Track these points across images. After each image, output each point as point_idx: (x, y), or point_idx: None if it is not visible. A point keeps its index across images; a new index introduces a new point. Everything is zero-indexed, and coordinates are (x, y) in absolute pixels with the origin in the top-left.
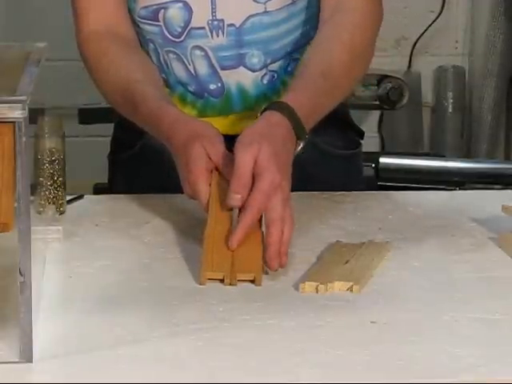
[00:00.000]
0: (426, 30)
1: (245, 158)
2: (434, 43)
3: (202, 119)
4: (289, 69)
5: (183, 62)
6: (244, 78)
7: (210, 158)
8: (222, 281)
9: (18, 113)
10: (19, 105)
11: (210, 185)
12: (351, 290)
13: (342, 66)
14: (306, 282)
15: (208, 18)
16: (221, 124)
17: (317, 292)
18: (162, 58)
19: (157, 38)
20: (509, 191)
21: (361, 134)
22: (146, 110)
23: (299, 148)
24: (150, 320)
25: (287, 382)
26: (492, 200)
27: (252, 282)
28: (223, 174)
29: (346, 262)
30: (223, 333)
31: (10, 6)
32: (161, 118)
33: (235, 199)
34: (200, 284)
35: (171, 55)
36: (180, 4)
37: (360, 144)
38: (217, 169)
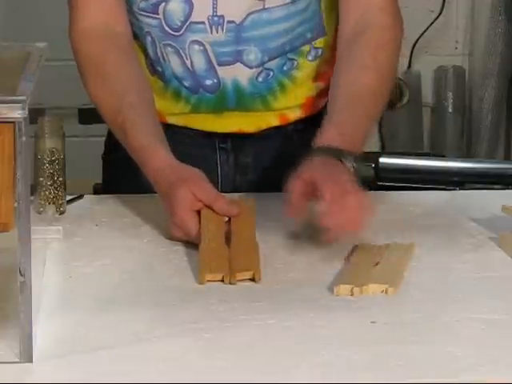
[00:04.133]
0: (426, 30)
1: (293, 181)
2: (434, 43)
3: (198, 113)
4: (284, 68)
5: (181, 56)
6: (240, 75)
7: (196, 199)
8: (222, 281)
9: (18, 113)
10: (19, 105)
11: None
12: (386, 292)
13: (371, 93)
14: (341, 285)
15: (208, 13)
16: (214, 121)
17: (352, 295)
18: (159, 51)
19: (155, 31)
20: (509, 191)
21: None
22: (135, 144)
23: (349, 164)
24: (151, 320)
25: (287, 382)
26: (492, 200)
27: (252, 280)
28: (214, 210)
29: (376, 264)
30: (223, 333)
31: (9, 5)
32: (148, 159)
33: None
34: (200, 283)
35: (169, 49)
36: None
37: None
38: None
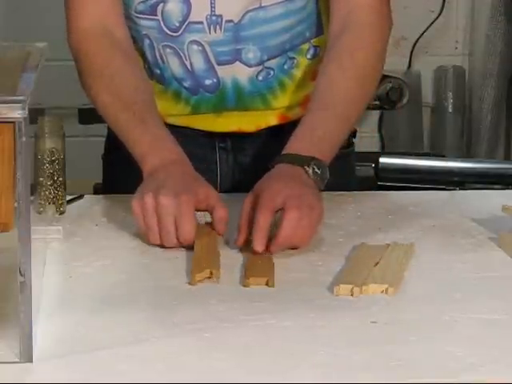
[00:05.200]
0: (426, 30)
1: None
2: (434, 43)
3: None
4: (285, 67)
5: (180, 57)
6: (240, 74)
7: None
8: (209, 277)
9: (18, 113)
10: (19, 105)
11: None
12: (386, 292)
13: (347, 95)
14: (341, 285)
15: (207, 13)
16: (214, 121)
17: (352, 295)
18: (157, 54)
19: (153, 33)
20: (509, 191)
21: (354, 133)
22: (152, 130)
23: (310, 170)
24: (150, 320)
25: (287, 382)
26: (492, 200)
27: (266, 285)
28: (213, 218)
29: (376, 264)
30: (223, 333)
31: (9, 5)
32: (166, 146)
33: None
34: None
35: (168, 50)
36: None
37: (353, 143)
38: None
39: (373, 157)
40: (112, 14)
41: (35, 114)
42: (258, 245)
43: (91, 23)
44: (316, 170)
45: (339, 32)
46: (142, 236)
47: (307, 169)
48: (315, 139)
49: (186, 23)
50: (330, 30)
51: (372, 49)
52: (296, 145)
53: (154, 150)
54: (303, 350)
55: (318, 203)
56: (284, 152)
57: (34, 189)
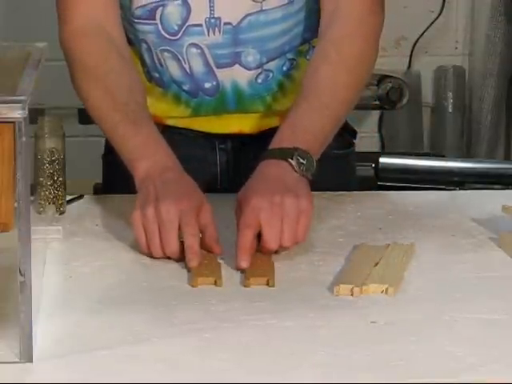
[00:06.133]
0: (426, 30)
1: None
2: (434, 43)
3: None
4: (284, 69)
5: (178, 61)
6: (239, 77)
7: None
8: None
9: (18, 113)
10: (19, 105)
11: None
12: (386, 292)
13: (330, 85)
14: (341, 285)
15: (206, 15)
16: (214, 123)
17: (352, 295)
18: (155, 58)
19: (151, 37)
20: (509, 191)
21: (354, 134)
22: (147, 133)
23: (294, 162)
24: (150, 320)
25: (287, 382)
26: (492, 200)
27: (266, 284)
28: (204, 235)
29: (376, 264)
30: (223, 333)
31: (9, 5)
32: (160, 150)
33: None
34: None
35: (166, 54)
36: (179, 1)
37: (353, 144)
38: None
39: (373, 157)
40: (108, 14)
41: (35, 114)
42: (242, 262)
43: (84, 22)
44: (301, 160)
45: (327, 25)
46: (144, 253)
47: (291, 161)
48: (298, 130)
49: (185, 26)
50: (321, 23)
51: (360, 40)
52: (280, 139)
53: (147, 154)
54: (303, 350)
55: (303, 201)
56: (269, 147)
57: (34, 189)
